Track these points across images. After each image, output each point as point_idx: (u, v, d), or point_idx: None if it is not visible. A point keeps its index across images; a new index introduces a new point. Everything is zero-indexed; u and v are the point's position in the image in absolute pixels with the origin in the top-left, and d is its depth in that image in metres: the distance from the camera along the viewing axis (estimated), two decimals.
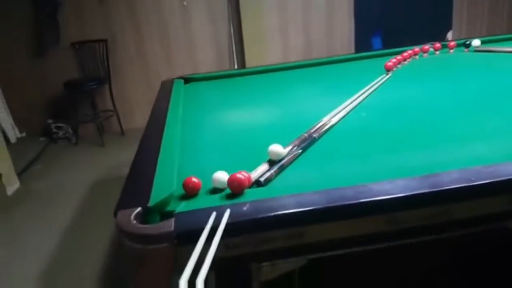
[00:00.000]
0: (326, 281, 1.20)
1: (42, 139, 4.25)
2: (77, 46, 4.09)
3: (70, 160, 3.85)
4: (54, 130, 4.21)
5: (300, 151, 1.16)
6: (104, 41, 4.05)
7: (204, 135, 1.49)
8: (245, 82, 2.35)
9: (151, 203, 0.90)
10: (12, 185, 3.20)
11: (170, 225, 0.80)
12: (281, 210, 0.82)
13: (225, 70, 3.32)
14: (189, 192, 0.96)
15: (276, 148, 1.09)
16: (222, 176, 0.96)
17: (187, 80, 2.43)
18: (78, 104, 4.15)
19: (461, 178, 0.85)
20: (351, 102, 1.58)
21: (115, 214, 0.87)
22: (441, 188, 0.82)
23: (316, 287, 1.18)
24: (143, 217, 0.87)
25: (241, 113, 1.78)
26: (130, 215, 0.85)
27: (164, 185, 0.99)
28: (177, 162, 1.15)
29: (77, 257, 2.29)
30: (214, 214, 0.81)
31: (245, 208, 0.84)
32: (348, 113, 1.49)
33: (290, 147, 1.16)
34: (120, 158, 3.73)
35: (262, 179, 1.00)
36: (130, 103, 4.41)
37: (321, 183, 0.90)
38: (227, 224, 0.79)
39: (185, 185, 0.96)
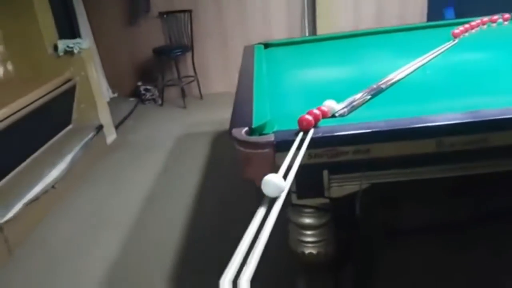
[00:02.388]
0: (384, 204, 1.46)
1: (132, 99, 4.83)
2: (164, 15, 4.54)
3: (156, 118, 4.37)
4: (143, 92, 4.76)
5: (369, 97, 1.41)
6: (189, 11, 4.46)
7: (285, 85, 1.79)
8: (319, 47, 2.60)
9: (254, 125, 1.23)
10: (111, 136, 3.77)
11: (271, 137, 1.12)
12: (351, 130, 1.10)
13: (300, 37, 3.55)
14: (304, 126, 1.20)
15: (330, 103, 1.32)
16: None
17: (266, 45, 2.72)
18: (164, 69, 4.64)
19: (498, 113, 1.07)
20: (418, 63, 1.78)
21: (230, 132, 1.21)
22: (480, 119, 1.05)
23: (374, 208, 1.45)
24: (249, 134, 1.19)
25: (317, 71, 2.05)
26: (241, 131, 1.18)
27: (260, 115, 1.31)
28: (268, 101, 1.47)
29: (164, 195, 2.75)
30: (302, 133, 1.12)
31: (324, 129, 1.13)
32: (414, 71, 1.70)
33: (360, 94, 1.42)
34: (199, 118, 4.19)
35: (337, 114, 1.28)
36: (209, 70, 4.83)
37: (384, 116, 1.16)
38: (311, 139, 1.09)
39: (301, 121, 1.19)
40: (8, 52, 3.01)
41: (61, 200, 2.69)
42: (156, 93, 4.78)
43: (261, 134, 1.23)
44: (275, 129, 1.21)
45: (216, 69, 4.82)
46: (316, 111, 1.18)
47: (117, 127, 4.01)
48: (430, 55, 1.88)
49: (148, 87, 4.77)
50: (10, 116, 2.45)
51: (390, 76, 1.61)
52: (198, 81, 4.68)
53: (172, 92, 4.81)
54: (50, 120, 3.08)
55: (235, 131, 1.18)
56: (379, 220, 1.88)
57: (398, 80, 1.59)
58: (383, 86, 1.49)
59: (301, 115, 1.15)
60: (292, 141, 1.08)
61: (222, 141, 3.49)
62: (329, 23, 4.49)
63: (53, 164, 2.74)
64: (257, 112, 1.35)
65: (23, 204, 2.31)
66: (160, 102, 4.74)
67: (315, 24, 4.57)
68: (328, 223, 1.45)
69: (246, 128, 1.20)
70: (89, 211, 2.63)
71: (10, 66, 3.02)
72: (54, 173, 2.67)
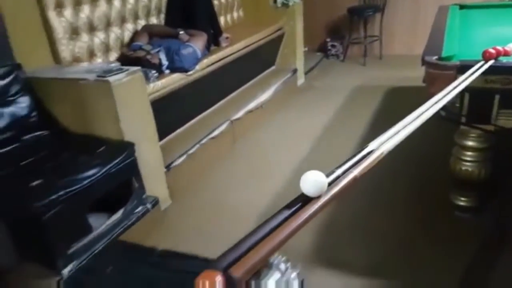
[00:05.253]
0: None
1: (318, 53, 5.50)
2: None
3: (337, 71, 4.95)
4: (329, 47, 5.36)
5: None
6: None
7: (474, 35, 2.11)
8: None
9: (443, 55, 1.66)
10: (300, 80, 4.51)
11: (456, 62, 1.54)
12: None
13: (498, 1, 3.55)
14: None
15: None
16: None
17: (461, 6, 2.94)
18: (352, 28, 5.12)
19: None
20: None
21: (423, 58, 1.66)
22: None
23: None
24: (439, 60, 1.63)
25: (507, 29, 2.27)
26: (432, 57, 1.63)
27: (449, 49, 1.72)
28: (457, 41, 1.85)
29: (342, 125, 3.33)
30: (483, 61, 1.50)
31: (503, 62, 1.49)
32: None
33: None
34: (376, 75, 4.59)
35: None
36: (394, 32, 5.10)
37: None
38: (489, 66, 1.47)
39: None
40: (243, 1, 3.95)
41: (263, 117, 3.55)
42: (341, 49, 5.32)
43: None
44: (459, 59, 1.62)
45: (401, 31, 5.06)
46: (499, 48, 1.54)
47: (306, 73, 4.73)
48: None
49: (335, 43, 5.34)
50: (240, 50, 3.35)
51: None
52: (381, 41, 5.02)
53: (354, 50, 5.27)
54: (261, 59, 3.97)
55: (427, 57, 1.64)
56: None
57: None
58: None
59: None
60: (472, 66, 1.48)
61: (394, 96, 3.86)
62: None
63: (262, 91, 3.60)
64: (447, 46, 1.76)
65: (245, 111, 3.22)
66: (342, 58, 5.27)
67: None
68: (488, 148, 1.81)
69: (436, 56, 1.64)
70: (283, 128, 3.42)
71: (241, 13, 3.97)
72: (263, 97, 3.53)
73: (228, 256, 0.64)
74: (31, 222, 1.59)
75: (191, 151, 2.68)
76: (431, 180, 2.43)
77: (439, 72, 1.56)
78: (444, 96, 1.10)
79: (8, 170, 1.80)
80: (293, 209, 0.61)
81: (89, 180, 1.76)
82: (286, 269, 0.67)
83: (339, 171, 0.73)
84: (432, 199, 2.24)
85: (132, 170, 2.06)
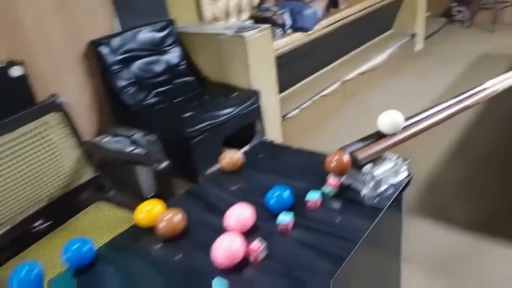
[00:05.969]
0: None
1: (442, 19, 5.21)
2: None
3: (461, 38, 4.68)
4: (454, 12, 5.05)
5: None
6: None
7: None
8: None
9: None
10: (419, 45, 4.40)
11: None
12: None
13: None
14: None
15: None
16: None
17: None
18: None
19: None
20: None
21: None
22: None
23: None
24: None
25: None
26: None
27: None
28: None
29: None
30: None
31: None
32: None
33: None
34: (506, 44, 4.25)
35: None
36: None
37: None
38: None
39: None
40: None
41: (375, 81, 3.64)
42: (467, 15, 4.97)
43: None
44: None
45: None
46: None
47: (425, 39, 4.59)
48: None
49: (461, 8, 5.01)
50: (358, 12, 3.44)
51: None
52: None
53: (482, 16, 4.88)
54: (378, 21, 4.00)
55: None
56: None
57: None
58: None
59: None
60: None
61: None
62: None
63: (376, 54, 3.67)
64: None
65: (357, 73, 3.37)
66: (468, 24, 4.93)
67: None
68: None
69: None
70: (395, 93, 3.48)
71: None
72: (376, 60, 3.61)
73: (352, 147, 0.92)
74: (183, 144, 2.05)
75: (304, 106, 2.96)
76: None
77: None
78: None
79: (166, 104, 2.29)
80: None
81: (225, 117, 2.17)
82: (398, 162, 0.92)
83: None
84: None
85: (257, 114, 2.42)
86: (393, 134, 0.98)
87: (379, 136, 0.98)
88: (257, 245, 0.78)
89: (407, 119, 1.01)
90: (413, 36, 4.16)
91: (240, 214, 0.85)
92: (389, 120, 0.99)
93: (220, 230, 0.83)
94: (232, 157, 1.11)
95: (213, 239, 0.79)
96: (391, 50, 3.80)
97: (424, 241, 1.85)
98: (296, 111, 2.91)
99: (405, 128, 0.97)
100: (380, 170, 0.91)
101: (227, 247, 0.76)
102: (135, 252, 0.89)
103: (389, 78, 3.71)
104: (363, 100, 3.37)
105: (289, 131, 2.81)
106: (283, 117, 2.79)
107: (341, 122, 3.12)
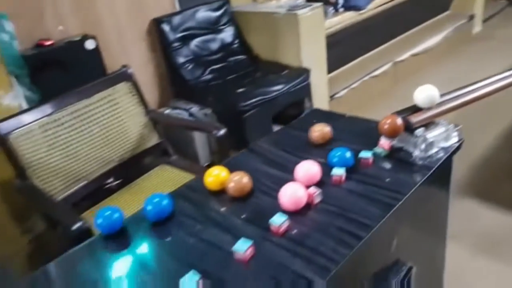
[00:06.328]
0: None
1: (502, 0, 4.93)
2: None
3: None
4: None
5: None
6: None
7: None
8: None
9: None
10: (477, 27, 4.21)
11: None
12: None
13: None
14: None
15: None
16: None
17: None
18: None
19: None
20: None
21: None
22: None
23: None
24: None
25: None
26: None
27: None
28: None
29: None
30: None
31: None
32: None
33: None
34: None
35: None
36: None
37: None
38: None
39: None
40: None
41: (429, 63, 3.55)
42: None
43: None
44: None
45: None
46: None
47: (484, 21, 4.38)
48: None
49: None
50: None
51: None
52: None
53: None
54: (435, 1, 3.88)
55: None
56: None
57: None
58: None
59: None
60: None
61: None
62: None
63: (431, 35, 3.57)
64: None
65: (410, 54, 3.31)
66: None
67: None
68: None
69: None
70: (450, 77, 3.38)
71: None
72: (431, 42, 3.52)
73: (404, 112, 0.97)
74: (236, 117, 2.16)
75: (353, 86, 2.97)
76: None
77: None
78: None
79: (220, 81, 2.41)
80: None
81: (275, 93, 2.25)
82: (449, 127, 0.97)
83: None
84: None
85: (306, 92, 2.48)
86: (445, 102, 1.02)
87: (415, 109, 1.02)
88: (314, 190, 0.87)
89: (442, 95, 1.05)
90: (471, 17, 3.99)
91: (308, 168, 0.93)
92: (425, 94, 1.03)
93: (283, 182, 0.90)
94: (322, 129, 1.10)
95: (277, 189, 0.87)
96: (447, 32, 3.68)
97: (471, 221, 1.85)
98: (345, 91, 2.93)
99: (440, 103, 1.02)
100: (432, 134, 0.96)
101: (292, 194, 0.85)
102: (208, 206, 0.96)
103: (443, 61, 3.61)
104: (415, 83, 3.26)
105: (336, 111, 2.84)
106: (331, 97, 2.83)
107: (391, 105, 3.07)
